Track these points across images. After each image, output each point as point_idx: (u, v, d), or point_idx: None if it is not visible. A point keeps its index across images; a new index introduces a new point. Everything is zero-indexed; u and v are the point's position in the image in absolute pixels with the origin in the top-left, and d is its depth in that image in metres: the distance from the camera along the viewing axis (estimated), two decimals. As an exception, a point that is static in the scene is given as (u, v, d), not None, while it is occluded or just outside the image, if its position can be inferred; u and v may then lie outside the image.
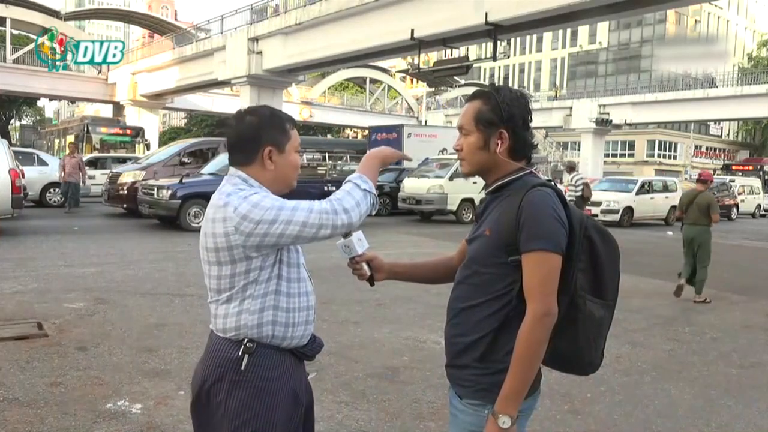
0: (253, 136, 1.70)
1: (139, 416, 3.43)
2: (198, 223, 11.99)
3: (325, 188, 13.93)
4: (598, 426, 3.60)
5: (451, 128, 28.66)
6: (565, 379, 4.08)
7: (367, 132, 28.16)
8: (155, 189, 12.56)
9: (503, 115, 1.61)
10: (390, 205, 17.98)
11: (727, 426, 3.69)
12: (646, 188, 19.29)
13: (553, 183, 1.65)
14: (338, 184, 11.35)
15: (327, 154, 14.79)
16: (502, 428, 1.51)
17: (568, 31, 63.90)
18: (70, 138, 26.86)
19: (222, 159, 14.01)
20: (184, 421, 3.34)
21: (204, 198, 12.24)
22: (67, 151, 14.84)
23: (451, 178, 16.46)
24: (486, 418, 1.57)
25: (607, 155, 46.94)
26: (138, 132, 27.78)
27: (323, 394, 3.79)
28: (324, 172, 14.48)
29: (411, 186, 17.09)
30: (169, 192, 12.20)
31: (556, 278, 1.53)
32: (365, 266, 1.83)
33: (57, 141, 30.66)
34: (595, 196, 18.42)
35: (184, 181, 12.59)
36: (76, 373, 4.03)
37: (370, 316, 5.96)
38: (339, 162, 15.22)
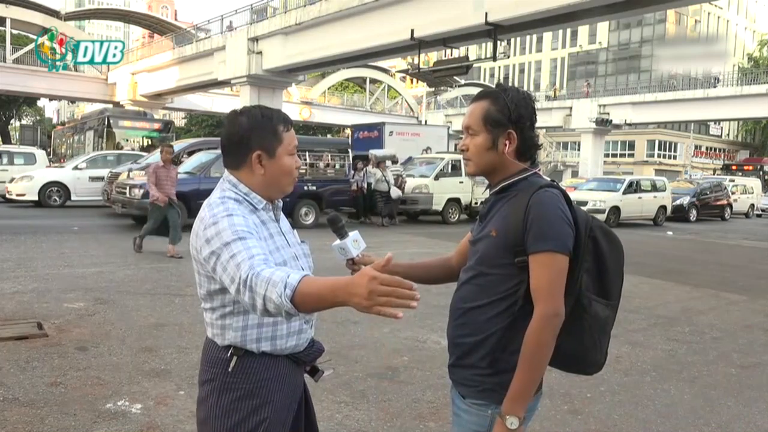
0: (242, 139, 1.64)
1: (139, 416, 3.43)
2: None
3: (305, 188, 13.70)
4: (598, 426, 3.60)
5: (436, 126, 28.21)
6: (565, 379, 4.09)
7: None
8: (127, 188, 12.08)
9: (512, 116, 1.61)
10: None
11: (727, 426, 3.68)
12: (634, 188, 19.22)
13: (557, 183, 1.65)
14: (318, 183, 12.00)
15: (307, 153, 14.41)
16: (510, 429, 1.51)
17: (568, 31, 63.93)
18: (90, 134, 24.19)
19: (198, 158, 13.61)
20: (184, 421, 3.35)
21: (178, 197, 11.60)
22: (160, 160, 9.25)
23: (436, 178, 16.36)
24: (489, 418, 1.57)
25: (607, 155, 46.94)
26: (168, 126, 25.64)
27: (323, 394, 3.79)
28: (304, 171, 14.06)
29: None
30: (142, 191, 11.55)
31: (564, 279, 1.54)
32: (363, 268, 1.82)
33: (76, 138, 27.00)
34: (582, 195, 18.35)
35: None
36: (76, 373, 4.03)
37: (371, 316, 5.93)
38: (320, 161, 15.01)
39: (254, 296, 1.37)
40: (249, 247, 1.47)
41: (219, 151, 11.61)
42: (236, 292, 1.43)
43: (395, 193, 15.29)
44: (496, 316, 1.59)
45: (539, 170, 1.70)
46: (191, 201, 11.77)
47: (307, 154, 14.42)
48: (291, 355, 1.70)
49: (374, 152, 17.04)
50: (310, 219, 13.96)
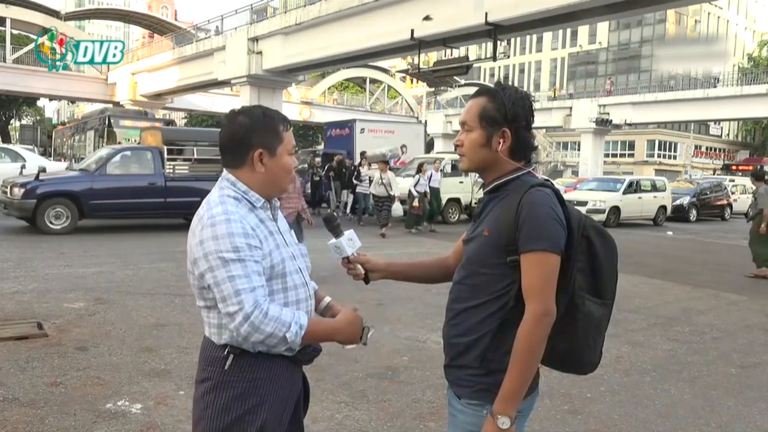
0: (243, 138, 1.66)
1: (139, 416, 3.43)
2: (59, 225, 10.83)
3: None
4: (598, 426, 3.60)
5: (412, 124, 27.73)
6: (565, 379, 4.09)
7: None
8: (9, 187, 10.97)
9: (507, 115, 1.62)
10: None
11: (727, 426, 3.69)
12: (634, 188, 19.19)
13: (551, 183, 1.65)
14: None
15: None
16: (501, 428, 1.51)
17: (568, 31, 63.90)
18: (90, 134, 23.74)
19: (100, 154, 12.42)
20: (184, 421, 3.35)
21: (67, 197, 10.90)
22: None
23: None
24: (485, 418, 1.57)
25: (607, 155, 46.90)
26: (169, 125, 24.98)
27: (323, 394, 3.79)
28: (219, 168, 13.27)
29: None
30: (22, 191, 10.66)
31: (555, 278, 1.54)
32: (359, 266, 1.83)
33: (77, 138, 26.32)
34: (582, 195, 18.33)
35: (41, 177, 11.12)
36: (76, 373, 4.03)
37: (370, 316, 5.93)
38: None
39: (253, 332, 1.53)
40: (249, 275, 1.54)
41: (118, 147, 11.11)
42: (228, 316, 1.54)
43: (397, 209, 13.66)
44: (489, 316, 1.59)
45: (534, 169, 1.70)
46: (83, 201, 10.98)
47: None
48: (287, 355, 1.70)
49: (374, 152, 16.81)
50: None
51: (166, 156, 11.96)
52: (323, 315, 1.85)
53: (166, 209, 12.03)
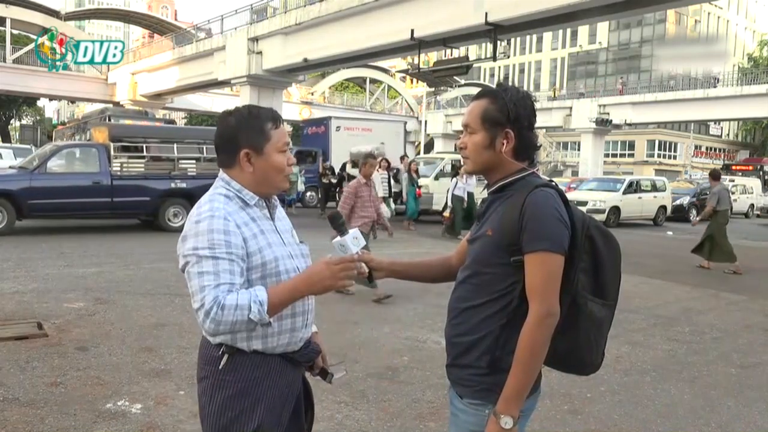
0: (230, 138, 1.68)
1: (139, 416, 3.43)
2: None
3: (172, 184, 11.89)
4: (598, 426, 3.60)
5: (391, 122, 27.36)
6: (565, 379, 4.08)
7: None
8: None
9: (510, 115, 1.62)
10: None
11: (727, 426, 3.69)
12: (634, 188, 19.21)
13: (555, 183, 1.65)
14: (189, 180, 10.26)
15: (175, 145, 12.27)
16: (504, 428, 1.51)
17: (568, 31, 63.92)
18: (90, 134, 24.27)
19: (42, 151, 12.00)
20: (184, 421, 3.35)
21: (2, 196, 10.44)
22: (361, 176, 7.08)
23: (436, 178, 16.30)
24: (487, 417, 1.57)
25: (607, 155, 46.88)
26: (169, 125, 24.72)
27: (323, 393, 3.79)
28: (172, 166, 12.20)
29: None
30: None
31: (559, 279, 1.54)
32: (363, 265, 1.83)
33: (77, 138, 25.65)
34: (582, 195, 18.33)
35: None
36: (76, 373, 4.03)
37: (370, 316, 5.95)
38: (190, 154, 12.55)
39: (217, 327, 1.51)
40: (219, 272, 1.53)
41: (61, 144, 10.99)
42: (195, 310, 1.54)
43: (386, 212, 13.12)
44: (491, 315, 1.60)
45: (537, 170, 1.70)
46: (21, 200, 10.50)
47: (174, 146, 12.37)
48: (284, 354, 1.70)
49: (359, 150, 16.50)
50: (179, 221, 11.75)
51: (113, 153, 11.47)
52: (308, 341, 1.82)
53: (114, 209, 11.57)
